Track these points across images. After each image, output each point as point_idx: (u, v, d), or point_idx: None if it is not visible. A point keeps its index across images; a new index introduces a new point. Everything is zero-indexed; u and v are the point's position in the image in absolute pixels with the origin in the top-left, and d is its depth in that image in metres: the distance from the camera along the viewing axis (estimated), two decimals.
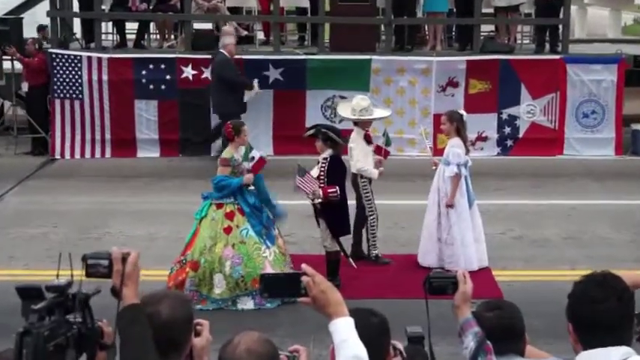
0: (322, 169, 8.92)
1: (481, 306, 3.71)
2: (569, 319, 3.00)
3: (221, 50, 14.31)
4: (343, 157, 9.20)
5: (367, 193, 9.66)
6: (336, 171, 8.89)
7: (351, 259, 9.10)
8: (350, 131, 9.85)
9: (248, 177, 8.80)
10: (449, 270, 8.81)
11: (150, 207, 12.13)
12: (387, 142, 9.98)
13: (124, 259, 2.86)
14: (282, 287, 2.89)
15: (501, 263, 9.86)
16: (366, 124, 9.75)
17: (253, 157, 9.11)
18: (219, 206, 8.74)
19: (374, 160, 9.70)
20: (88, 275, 2.78)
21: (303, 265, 2.88)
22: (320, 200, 8.81)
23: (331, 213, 8.90)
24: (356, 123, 9.76)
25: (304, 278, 2.84)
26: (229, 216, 8.71)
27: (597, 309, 2.92)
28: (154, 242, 10.59)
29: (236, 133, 8.83)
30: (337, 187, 8.76)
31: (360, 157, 9.60)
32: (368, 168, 9.58)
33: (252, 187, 8.85)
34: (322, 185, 8.84)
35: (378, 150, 9.84)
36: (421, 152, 10.23)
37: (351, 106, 9.80)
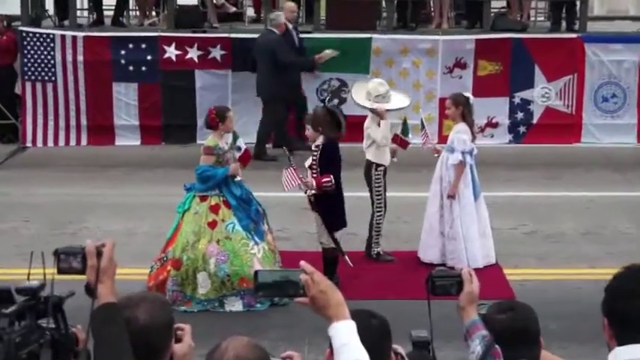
0: (314, 157, 8.90)
1: (492, 307, 3.71)
2: (604, 313, 3.02)
3: (270, 28, 14.30)
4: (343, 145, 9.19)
5: (379, 185, 9.63)
6: (330, 159, 8.87)
7: (347, 257, 9.09)
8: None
9: (234, 167, 8.79)
10: (451, 267, 8.88)
11: (129, 200, 12.13)
12: (405, 131, 9.94)
13: (99, 253, 2.83)
14: (277, 286, 2.86)
15: (513, 261, 9.87)
16: (381, 113, 9.74)
17: (240, 147, 9.10)
18: (203, 199, 8.73)
19: (389, 149, 9.71)
20: (59, 272, 2.77)
21: (302, 262, 2.86)
22: (314, 191, 8.80)
23: (326, 205, 8.89)
24: (371, 109, 9.75)
25: (302, 276, 2.82)
26: (214, 209, 8.70)
27: (635, 304, 2.93)
28: (133, 238, 10.59)
29: (220, 119, 8.80)
30: (332, 177, 8.74)
31: (377, 135, 9.55)
32: (385, 142, 9.51)
33: (239, 178, 8.85)
34: (315, 175, 8.84)
35: (395, 139, 9.84)
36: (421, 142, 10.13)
37: (367, 89, 9.75)
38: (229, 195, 8.72)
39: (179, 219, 8.78)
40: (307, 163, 9.02)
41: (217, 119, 8.78)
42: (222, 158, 8.80)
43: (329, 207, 8.92)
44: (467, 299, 3.40)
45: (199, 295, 8.55)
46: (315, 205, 8.95)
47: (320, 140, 8.89)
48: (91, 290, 2.79)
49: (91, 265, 2.82)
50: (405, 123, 10.09)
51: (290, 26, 14.50)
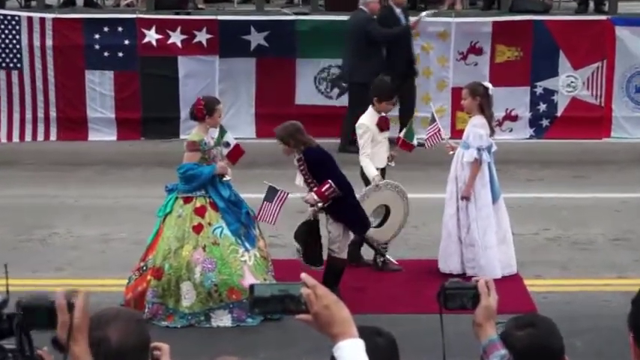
0: (303, 171, 8.87)
1: (511, 322, 3.71)
2: (630, 328, 3.01)
3: (362, 7, 14.34)
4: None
5: None
6: (318, 165, 8.82)
7: (389, 257, 9.12)
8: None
9: (221, 165, 8.79)
10: (471, 277, 8.89)
11: (105, 202, 12.13)
12: (409, 135, 9.94)
13: (71, 305, 2.80)
14: (276, 301, 2.84)
15: (534, 270, 9.89)
16: (385, 105, 9.73)
17: (228, 143, 9.10)
18: (187, 200, 8.72)
19: (389, 152, 9.73)
20: (24, 326, 2.72)
21: (303, 275, 2.86)
22: (321, 205, 8.78)
23: (343, 209, 8.86)
24: (370, 103, 9.74)
25: (304, 290, 2.81)
26: (199, 212, 8.69)
27: None
28: (110, 245, 10.60)
29: (208, 112, 8.80)
30: (330, 182, 8.72)
31: (366, 149, 9.57)
32: (366, 164, 9.56)
33: (227, 178, 8.85)
34: (313, 187, 8.79)
35: (398, 141, 9.89)
36: (432, 139, 10.11)
37: None
38: (216, 196, 8.72)
39: (160, 223, 8.77)
40: (297, 181, 9.00)
41: (204, 111, 8.78)
42: (208, 155, 8.80)
43: (347, 210, 8.88)
44: (484, 315, 3.39)
45: (183, 308, 8.55)
46: (331, 214, 8.89)
47: (297, 154, 8.84)
48: (61, 347, 2.76)
49: (62, 322, 2.77)
50: (410, 127, 10.08)
51: (397, 9, 14.48)
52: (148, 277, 8.62)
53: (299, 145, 8.76)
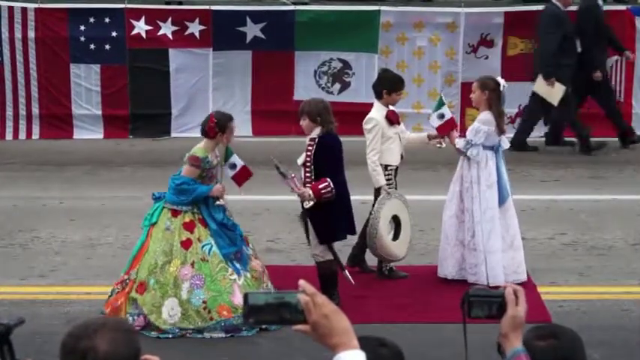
0: (309, 152, 8.89)
1: (531, 332, 3.70)
2: None
3: (553, 0, 14.36)
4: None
5: (390, 188, 9.65)
6: (328, 155, 8.85)
7: (347, 272, 9.08)
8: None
9: (218, 188, 8.74)
10: (472, 284, 8.90)
11: (90, 204, 12.13)
12: (439, 105, 9.90)
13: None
14: (271, 310, 2.84)
15: (549, 277, 9.88)
16: (393, 97, 9.71)
17: (235, 165, 9.08)
18: (175, 214, 8.70)
19: (402, 150, 9.72)
20: (6, 336, 2.71)
21: (301, 282, 2.86)
22: (313, 202, 8.78)
23: (320, 210, 8.86)
24: (377, 96, 9.73)
25: (302, 298, 2.82)
26: (188, 227, 8.68)
27: None
28: (96, 250, 10.59)
29: (220, 129, 8.74)
30: (329, 180, 8.73)
31: (375, 146, 9.56)
32: (376, 169, 9.53)
33: (221, 202, 8.81)
34: (308, 175, 8.79)
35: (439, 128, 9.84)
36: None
37: None
38: (209, 218, 8.70)
39: (145, 235, 8.74)
40: (300, 160, 9.02)
41: (217, 129, 8.74)
42: (207, 174, 8.76)
43: (325, 213, 8.89)
44: (510, 325, 3.38)
45: (166, 326, 8.48)
46: (306, 211, 8.92)
47: (317, 132, 8.89)
48: None
49: None
50: (440, 100, 10.00)
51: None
52: (127, 291, 8.59)
53: (325, 124, 8.85)
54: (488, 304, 3.37)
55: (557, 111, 14.34)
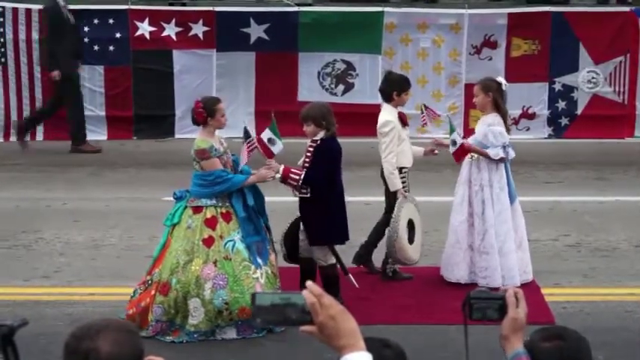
0: (309, 151, 8.88)
1: (537, 334, 3.71)
2: None
3: None
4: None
5: (404, 190, 9.64)
6: (328, 155, 8.84)
7: (351, 276, 9.07)
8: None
9: (261, 174, 8.65)
10: (480, 286, 8.88)
11: (95, 205, 12.13)
12: (451, 131, 9.91)
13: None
14: (277, 310, 2.85)
15: (553, 278, 9.88)
16: (402, 98, 9.71)
17: (273, 139, 9.04)
18: (197, 210, 8.61)
19: (424, 148, 9.78)
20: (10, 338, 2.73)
21: (309, 282, 2.87)
22: (279, 176, 8.74)
23: (313, 210, 8.86)
24: (387, 99, 9.72)
25: (309, 299, 2.82)
26: (210, 223, 8.57)
27: None
28: (100, 251, 10.59)
29: (209, 113, 8.67)
30: (303, 173, 8.72)
31: (393, 149, 9.54)
32: (394, 172, 9.51)
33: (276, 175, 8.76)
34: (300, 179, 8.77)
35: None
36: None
37: None
38: (239, 205, 8.60)
39: (167, 234, 8.68)
40: (300, 161, 9.01)
41: (205, 114, 8.68)
42: (221, 161, 8.70)
43: (318, 213, 8.88)
44: (511, 327, 3.39)
45: (189, 326, 8.46)
46: (301, 210, 8.92)
47: (320, 135, 8.89)
48: None
49: None
50: (450, 126, 10.02)
51: None
52: (152, 292, 8.55)
53: (330, 127, 8.87)
54: (489, 306, 3.38)
55: None
